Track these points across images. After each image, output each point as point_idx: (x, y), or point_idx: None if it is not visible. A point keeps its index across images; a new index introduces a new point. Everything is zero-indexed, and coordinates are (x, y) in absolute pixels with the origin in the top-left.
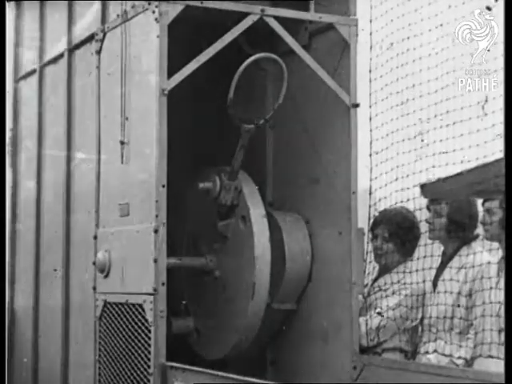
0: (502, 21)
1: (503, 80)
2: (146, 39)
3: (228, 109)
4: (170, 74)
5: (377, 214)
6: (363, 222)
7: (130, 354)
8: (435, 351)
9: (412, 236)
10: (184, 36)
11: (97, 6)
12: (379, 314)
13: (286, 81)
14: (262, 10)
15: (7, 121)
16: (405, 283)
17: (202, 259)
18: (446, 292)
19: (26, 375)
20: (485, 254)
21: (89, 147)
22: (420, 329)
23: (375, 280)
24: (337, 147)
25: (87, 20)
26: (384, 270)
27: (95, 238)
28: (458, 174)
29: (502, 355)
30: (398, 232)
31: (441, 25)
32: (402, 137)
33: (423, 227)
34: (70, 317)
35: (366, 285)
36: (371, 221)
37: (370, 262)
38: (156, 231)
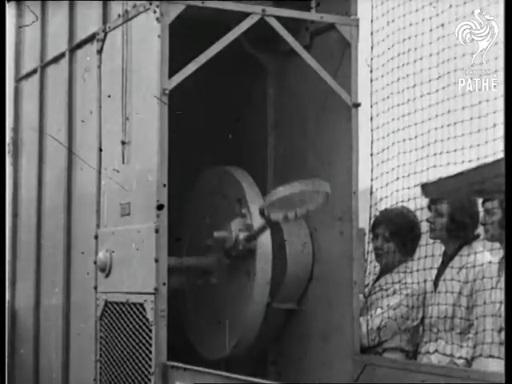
0: (502, 21)
1: (503, 80)
2: (147, 39)
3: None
4: (171, 74)
5: (378, 213)
6: (364, 221)
7: (130, 353)
8: (436, 351)
9: (413, 236)
10: (185, 36)
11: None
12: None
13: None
14: (263, 10)
15: (8, 120)
16: (405, 283)
17: (203, 259)
18: (446, 292)
19: (26, 375)
20: (486, 254)
21: (90, 147)
22: (421, 329)
23: (376, 280)
24: (338, 147)
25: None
26: (385, 270)
27: (96, 237)
28: (458, 174)
29: (503, 355)
30: (398, 232)
31: (442, 25)
32: (403, 136)
33: (424, 227)
34: (70, 316)
35: (367, 284)
36: (372, 220)
37: (371, 261)
38: (157, 231)
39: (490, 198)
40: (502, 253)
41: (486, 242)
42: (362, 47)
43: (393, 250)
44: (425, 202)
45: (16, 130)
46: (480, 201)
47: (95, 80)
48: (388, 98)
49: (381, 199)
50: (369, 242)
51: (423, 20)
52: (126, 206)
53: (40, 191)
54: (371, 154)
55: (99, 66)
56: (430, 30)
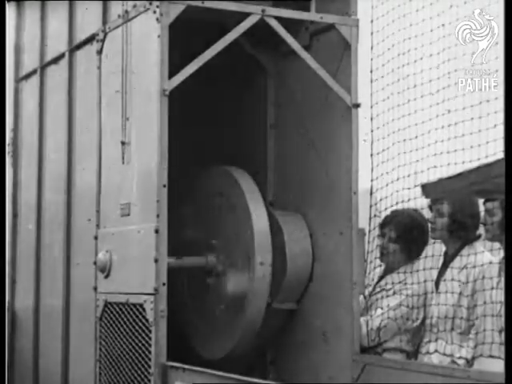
0: (502, 21)
1: (503, 80)
2: (147, 39)
3: None
4: (171, 75)
5: (378, 214)
6: (364, 222)
7: (130, 353)
8: (436, 351)
9: (419, 241)
10: (185, 36)
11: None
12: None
13: None
14: (263, 11)
15: (8, 121)
16: (406, 283)
17: (203, 259)
18: (447, 292)
19: (26, 375)
20: (486, 254)
21: (90, 147)
22: (423, 329)
23: (380, 279)
24: (338, 147)
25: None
26: (388, 270)
27: (96, 238)
28: (459, 174)
29: (503, 355)
30: (405, 235)
31: (442, 25)
32: (404, 137)
33: None
34: (70, 317)
35: (367, 285)
36: (377, 219)
37: (371, 261)
38: (157, 231)
39: (492, 198)
40: (502, 253)
41: (487, 242)
42: (362, 47)
43: (397, 250)
44: (425, 202)
45: (16, 130)
46: (481, 201)
47: (95, 80)
48: (388, 98)
49: (381, 199)
50: (369, 242)
51: (423, 20)
52: (125, 206)
53: (40, 191)
54: (371, 155)
55: (99, 67)
56: (431, 31)
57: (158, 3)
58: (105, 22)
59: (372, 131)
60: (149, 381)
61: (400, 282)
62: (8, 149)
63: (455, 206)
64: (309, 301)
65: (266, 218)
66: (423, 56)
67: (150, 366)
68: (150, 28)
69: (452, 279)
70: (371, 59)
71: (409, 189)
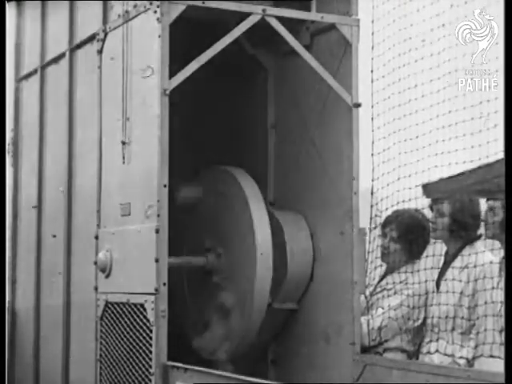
0: (502, 21)
1: (503, 80)
2: (148, 39)
3: None
4: (172, 74)
5: (379, 213)
6: (365, 221)
7: (131, 353)
8: (437, 351)
9: (421, 241)
10: (185, 36)
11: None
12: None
13: None
14: (264, 10)
15: (9, 121)
16: (407, 283)
17: (204, 258)
18: (448, 292)
19: (26, 375)
20: (487, 254)
21: (90, 147)
22: (424, 329)
23: (381, 279)
24: (338, 147)
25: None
26: (389, 270)
27: (96, 237)
28: (460, 174)
29: (503, 355)
30: (407, 235)
31: (442, 25)
32: (404, 137)
33: None
34: (71, 317)
35: (368, 285)
36: (378, 219)
37: (371, 261)
38: (157, 231)
39: (494, 197)
40: (502, 253)
41: (488, 241)
42: (363, 47)
43: (398, 250)
44: (426, 202)
45: (16, 130)
46: (483, 200)
47: (95, 80)
48: (389, 98)
49: (382, 199)
50: (370, 242)
51: (424, 20)
52: (126, 206)
53: (40, 191)
54: (372, 154)
55: (99, 67)
56: (431, 30)
57: (158, 3)
58: (105, 21)
59: (373, 131)
60: (149, 381)
61: (401, 282)
62: (8, 149)
63: (456, 205)
64: (309, 301)
65: (267, 218)
66: (424, 56)
67: (150, 366)
68: (150, 28)
69: (453, 279)
70: (372, 59)
71: (410, 189)
